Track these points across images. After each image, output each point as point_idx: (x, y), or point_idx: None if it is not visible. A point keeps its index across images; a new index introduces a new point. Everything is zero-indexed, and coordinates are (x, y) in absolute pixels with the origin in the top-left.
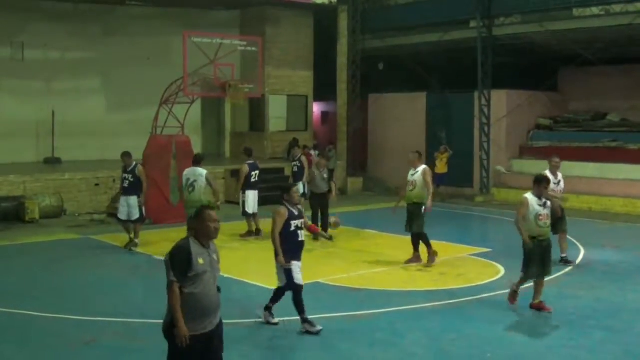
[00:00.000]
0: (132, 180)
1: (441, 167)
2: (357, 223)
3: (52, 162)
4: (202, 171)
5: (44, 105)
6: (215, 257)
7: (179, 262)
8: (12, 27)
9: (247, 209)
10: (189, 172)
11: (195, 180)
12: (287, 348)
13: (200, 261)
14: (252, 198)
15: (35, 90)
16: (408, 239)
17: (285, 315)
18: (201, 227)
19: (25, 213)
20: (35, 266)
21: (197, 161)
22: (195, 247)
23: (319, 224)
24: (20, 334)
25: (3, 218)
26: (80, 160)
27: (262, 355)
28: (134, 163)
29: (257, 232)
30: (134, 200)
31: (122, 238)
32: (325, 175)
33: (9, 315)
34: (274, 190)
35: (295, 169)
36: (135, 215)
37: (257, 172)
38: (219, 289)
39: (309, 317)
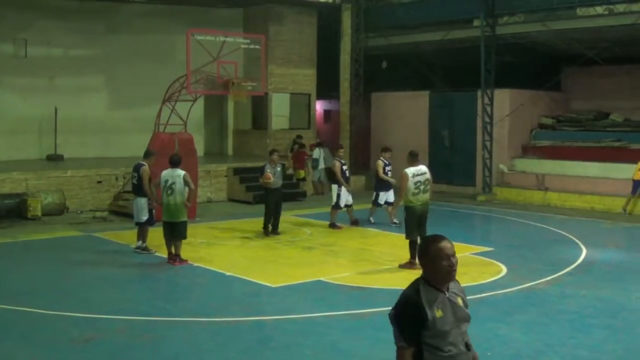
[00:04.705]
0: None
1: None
2: (360, 221)
3: (55, 159)
4: (181, 172)
5: (46, 102)
6: (460, 300)
7: (409, 322)
8: (16, 24)
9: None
10: (167, 173)
11: (174, 182)
12: (287, 346)
13: (439, 314)
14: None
15: (38, 87)
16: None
17: (283, 314)
18: (431, 268)
19: (28, 210)
20: (37, 263)
21: (176, 162)
22: (428, 296)
23: (271, 220)
24: (21, 331)
25: (5, 215)
26: (83, 158)
27: (262, 353)
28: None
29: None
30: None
31: (123, 235)
32: (279, 169)
33: (11, 312)
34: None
35: (348, 173)
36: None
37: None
38: (468, 347)
39: (310, 315)
